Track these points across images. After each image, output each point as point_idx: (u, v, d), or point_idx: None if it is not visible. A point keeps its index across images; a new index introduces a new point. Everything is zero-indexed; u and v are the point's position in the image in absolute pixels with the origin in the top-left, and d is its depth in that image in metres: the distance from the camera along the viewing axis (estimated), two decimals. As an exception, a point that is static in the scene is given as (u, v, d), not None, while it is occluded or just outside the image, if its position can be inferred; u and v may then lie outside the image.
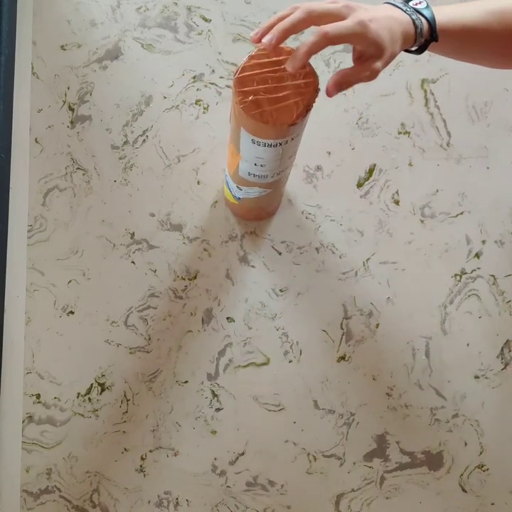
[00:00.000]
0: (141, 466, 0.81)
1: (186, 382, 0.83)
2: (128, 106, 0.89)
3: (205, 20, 0.91)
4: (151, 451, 0.82)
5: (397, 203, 0.86)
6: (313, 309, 0.85)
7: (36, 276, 0.85)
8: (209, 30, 0.91)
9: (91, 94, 0.89)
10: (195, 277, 0.85)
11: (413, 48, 0.61)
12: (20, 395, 0.82)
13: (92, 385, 0.83)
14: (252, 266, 0.86)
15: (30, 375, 0.82)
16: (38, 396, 0.82)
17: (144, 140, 0.88)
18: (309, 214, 0.87)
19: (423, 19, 0.59)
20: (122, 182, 0.87)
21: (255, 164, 0.64)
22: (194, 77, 0.90)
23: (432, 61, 0.88)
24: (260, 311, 0.84)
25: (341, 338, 0.84)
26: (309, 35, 0.55)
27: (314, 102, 0.57)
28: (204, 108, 0.89)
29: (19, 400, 0.82)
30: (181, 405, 0.82)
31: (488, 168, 0.88)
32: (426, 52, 0.63)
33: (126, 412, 0.82)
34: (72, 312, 0.84)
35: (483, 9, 0.63)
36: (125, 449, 0.82)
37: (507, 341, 0.83)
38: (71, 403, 0.82)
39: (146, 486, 0.81)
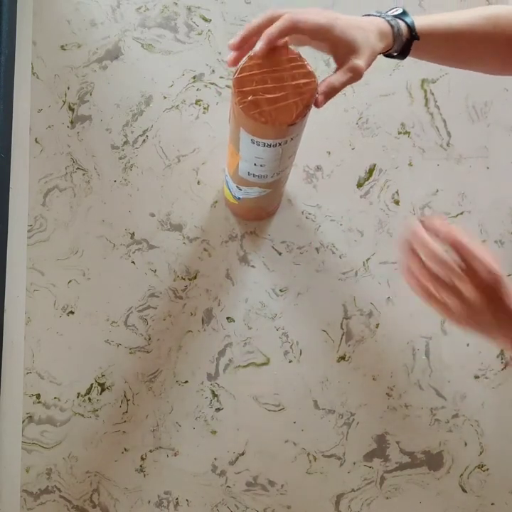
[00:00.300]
0: (141, 466, 0.81)
1: (186, 382, 0.83)
2: (128, 106, 0.89)
3: (205, 20, 0.91)
4: (151, 451, 0.82)
5: (397, 203, 0.86)
6: (313, 309, 0.85)
7: (36, 276, 0.85)
8: (209, 30, 0.91)
9: (91, 94, 0.89)
10: (195, 277, 0.85)
11: (395, 52, 0.62)
12: (20, 395, 0.82)
13: (92, 385, 0.83)
14: (252, 266, 0.86)
15: (30, 375, 0.82)
16: (38, 396, 0.82)
17: (144, 140, 0.88)
18: (309, 214, 0.87)
19: (399, 20, 0.61)
20: (122, 182, 0.87)
21: (255, 164, 0.64)
22: (194, 77, 0.90)
23: (432, 61, 0.88)
24: (260, 311, 0.84)
25: (341, 338, 0.84)
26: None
27: (313, 102, 0.57)
28: (204, 108, 0.89)
29: (19, 400, 0.82)
30: (181, 405, 0.82)
31: (488, 168, 0.88)
32: None
33: (126, 412, 0.82)
34: (72, 312, 0.84)
35: (476, 14, 0.64)
36: (125, 449, 0.82)
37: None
38: (71, 403, 0.82)
39: (146, 486, 0.81)
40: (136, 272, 0.85)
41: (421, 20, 0.62)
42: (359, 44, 0.57)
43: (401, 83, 0.90)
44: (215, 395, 0.83)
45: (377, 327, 0.84)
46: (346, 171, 0.87)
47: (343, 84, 0.57)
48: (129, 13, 0.91)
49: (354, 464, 0.82)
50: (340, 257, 0.86)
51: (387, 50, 0.62)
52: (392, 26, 0.60)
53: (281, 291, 0.85)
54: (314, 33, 0.56)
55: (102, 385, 0.83)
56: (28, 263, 0.85)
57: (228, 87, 0.89)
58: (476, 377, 0.83)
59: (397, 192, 0.87)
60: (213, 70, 0.90)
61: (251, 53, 0.56)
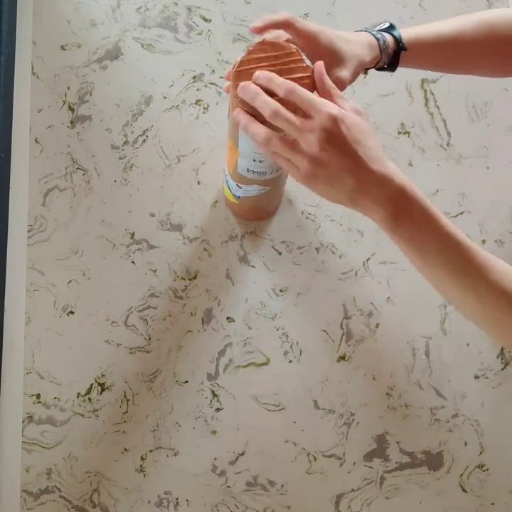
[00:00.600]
0: (141, 466, 0.81)
1: (186, 382, 0.83)
2: (128, 106, 0.89)
3: (205, 20, 0.91)
4: (151, 451, 0.82)
5: (397, 203, 0.86)
6: (313, 309, 0.85)
7: (36, 276, 0.85)
8: (209, 30, 0.91)
9: (91, 94, 0.89)
10: (195, 277, 0.85)
11: (384, 63, 0.63)
12: (20, 395, 0.82)
13: (92, 385, 0.83)
14: (252, 266, 0.86)
15: (30, 375, 0.82)
16: (38, 396, 0.82)
17: (144, 140, 0.88)
18: (309, 214, 0.87)
19: (385, 33, 0.62)
20: (122, 182, 0.87)
21: (254, 160, 0.64)
22: (194, 77, 0.90)
23: (431, 61, 0.88)
24: (260, 311, 0.84)
25: (341, 338, 0.84)
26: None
27: None
28: (204, 108, 0.89)
29: (19, 400, 0.82)
30: (181, 405, 0.82)
31: (488, 168, 0.88)
32: None
33: (126, 412, 0.82)
34: (72, 312, 0.84)
35: (467, 20, 0.64)
36: (125, 449, 0.82)
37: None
38: (71, 403, 0.82)
39: (146, 486, 0.81)
40: (136, 272, 0.85)
41: (409, 32, 0.63)
42: (344, 54, 0.58)
43: (401, 83, 0.90)
44: (215, 395, 0.83)
45: (377, 327, 0.84)
46: (346, 171, 0.87)
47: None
48: (129, 13, 0.91)
49: (354, 464, 0.82)
50: (340, 257, 0.86)
51: (377, 63, 0.63)
52: (377, 39, 0.61)
53: (281, 291, 0.85)
54: (304, 37, 0.57)
55: (102, 385, 0.83)
56: (28, 263, 0.85)
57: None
58: (476, 377, 0.83)
59: (397, 192, 0.86)
60: (213, 70, 0.90)
61: (249, 47, 0.57)
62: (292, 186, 0.86)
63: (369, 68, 0.63)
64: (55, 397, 0.82)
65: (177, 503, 0.81)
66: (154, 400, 0.82)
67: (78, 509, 0.80)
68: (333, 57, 0.58)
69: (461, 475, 0.82)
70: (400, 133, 0.89)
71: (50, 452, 0.81)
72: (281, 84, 0.52)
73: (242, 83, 0.54)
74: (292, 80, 0.56)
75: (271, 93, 0.53)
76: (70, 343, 0.83)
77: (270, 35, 0.59)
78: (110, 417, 0.82)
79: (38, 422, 0.82)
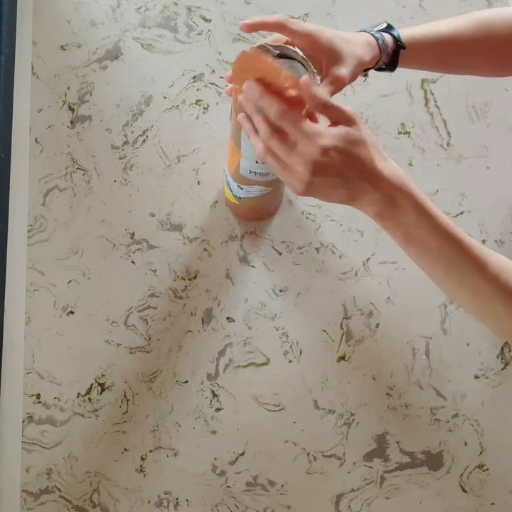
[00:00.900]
0: (141, 466, 0.81)
1: (186, 382, 0.83)
2: (128, 106, 0.89)
3: (205, 20, 0.91)
4: (151, 451, 0.82)
5: (397, 203, 0.86)
6: (313, 309, 0.85)
7: (36, 276, 0.85)
8: (209, 30, 0.91)
9: (91, 94, 0.89)
10: (195, 277, 0.85)
11: (384, 63, 0.63)
12: (20, 395, 0.82)
13: (92, 385, 0.83)
14: (252, 266, 0.86)
15: (30, 375, 0.82)
16: (38, 396, 0.82)
17: (144, 140, 0.88)
18: (309, 214, 0.87)
19: (384, 33, 0.62)
20: (122, 182, 0.87)
21: (256, 162, 0.64)
22: (194, 77, 0.90)
23: (431, 61, 0.88)
24: (260, 311, 0.84)
25: (341, 338, 0.84)
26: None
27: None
28: (204, 108, 0.89)
29: (19, 399, 0.82)
30: (181, 405, 0.82)
31: (488, 168, 0.88)
32: None
33: (126, 412, 0.82)
34: (72, 312, 0.84)
35: (465, 20, 0.65)
36: (125, 449, 0.82)
37: (507, 341, 0.83)
38: (71, 403, 0.82)
39: (146, 486, 0.81)
40: (136, 272, 0.85)
41: (407, 31, 0.64)
42: (343, 53, 0.58)
43: (401, 83, 0.90)
44: (215, 395, 0.83)
45: (377, 327, 0.84)
46: (346, 171, 0.87)
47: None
48: (129, 13, 0.91)
49: (354, 464, 0.82)
50: (340, 257, 0.86)
51: (376, 62, 0.63)
52: (376, 38, 0.61)
53: (281, 291, 0.85)
54: (301, 37, 0.57)
55: (102, 385, 0.83)
56: (28, 263, 0.85)
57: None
58: (476, 377, 0.83)
59: (397, 192, 0.86)
60: (213, 70, 0.90)
61: (253, 48, 0.57)
62: (292, 186, 0.86)
63: (369, 68, 0.64)
64: (55, 397, 0.82)
65: (177, 503, 0.81)
66: (154, 400, 0.82)
67: (78, 509, 0.80)
68: (332, 56, 0.58)
69: (461, 475, 0.82)
70: (400, 133, 0.89)
71: (50, 452, 0.81)
72: (269, 106, 0.50)
73: (246, 82, 0.53)
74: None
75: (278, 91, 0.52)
76: (70, 343, 0.83)
77: (270, 38, 0.59)
78: (110, 417, 0.82)
79: (38, 422, 0.82)
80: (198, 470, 0.81)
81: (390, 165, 0.53)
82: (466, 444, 0.82)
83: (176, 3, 0.92)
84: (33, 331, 0.83)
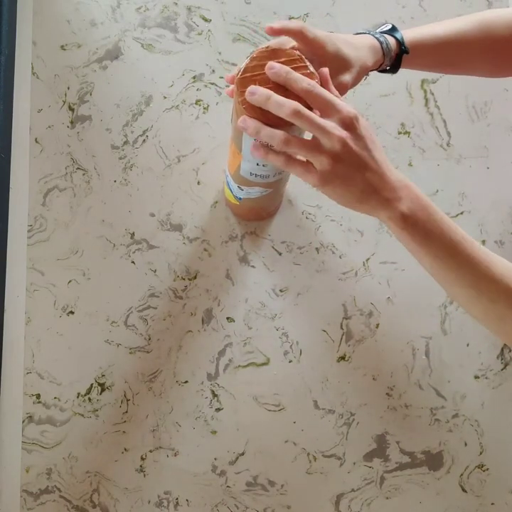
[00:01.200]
0: (141, 466, 0.81)
1: (186, 382, 0.83)
2: (128, 106, 0.89)
3: (205, 20, 0.91)
4: (151, 451, 0.82)
5: (397, 203, 0.86)
6: (313, 309, 0.85)
7: (36, 276, 0.85)
8: (209, 30, 0.91)
9: (91, 94, 0.89)
10: (195, 277, 0.85)
11: (387, 66, 0.63)
12: (20, 395, 0.82)
13: (92, 385, 0.83)
14: (252, 266, 0.86)
15: (30, 375, 0.82)
16: (38, 396, 0.82)
17: (144, 140, 0.88)
18: (309, 214, 0.87)
19: (388, 36, 0.62)
20: (122, 182, 0.87)
21: (257, 164, 0.64)
22: (194, 77, 0.90)
23: (432, 61, 0.88)
24: (260, 311, 0.84)
25: (341, 338, 0.84)
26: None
27: None
28: (204, 108, 0.89)
29: (19, 399, 0.82)
30: (181, 405, 0.82)
31: (488, 168, 0.88)
32: None
33: (126, 412, 0.82)
34: (72, 312, 0.84)
35: (467, 21, 0.65)
36: (125, 449, 0.82)
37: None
38: (71, 403, 0.82)
39: (146, 486, 0.81)
40: (136, 272, 0.85)
41: (409, 34, 0.63)
42: (349, 60, 0.59)
43: (401, 83, 0.90)
44: (215, 395, 0.83)
45: (377, 327, 0.84)
46: (346, 171, 0.87)
47: None
48: (129, 13, 0.91)
49: (354, 464, 0.82)
50: (340, 257, 0.86)
51: (379, 66, 0.63)
52: (380, 42, 0.61)
53: (281, 291, 0.85)
54: (311, 45, 0.58)
55: (102, 385, 0.83)
56: (28, 263, 0.85)
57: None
58: (476, 377, 0.83)
59: (397, 192, 0.86)
60: (213, 70, 0.90)
61: (253, 54, 0.57)
62: (293, 186, 0.86)
63: (371, 70, 0.64)
64: (55, 397, 0.82)
65: (177, 503, 0.81)
66: (154, 400, 0.82)
67: (78, 509, 0.80)
68: (338, 64, 0.58)
69: (461, 475, 0.82)
70: (400, 133, 0.89)
71: (50, 452, 0.81)
72: (299, 80, 0.52)
73: (250, 87, 0.54)
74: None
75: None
76: (70, 343, 0.83)
77: (274, 41, 0.59)
78: (110, 417, 0.82)
79: (38, 422, 0.82)
80: (198, 470, 0.81)
81: (395, 170, 0.54)
82: (466, 444, 0.82)
83: (176, 3, 0.92)
84: (33, 331, 0.83)
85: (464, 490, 0.82)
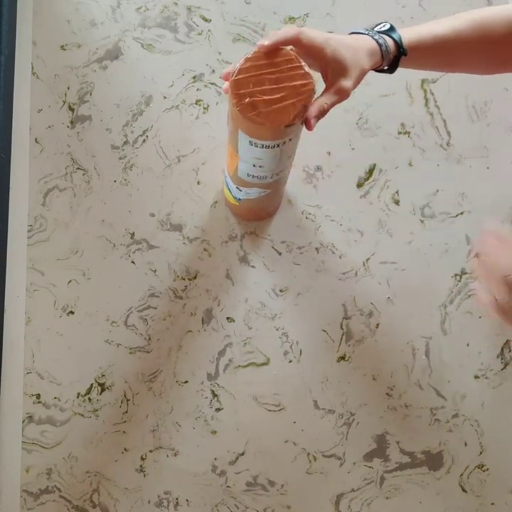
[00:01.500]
0: (141, 466, 0.81)
1: (186, 382, 0.83)
2: (128, 106, 0.89)
3: (205, 20, 0.91)
4: (151, 451, 0.82)
5: (397, 203, 0.86)
6: (313, 309, 0.85)
7: (36, 276, 0.85)
8: (209, 30, 0.91)
9: (91, 94, 0.89)
10: (195, 277, 0.85)
11: (385, 67, 0.63)
12: (20, 395, 0.82)
13: (92, 385, 0.83)
14: (252, 266, 0.86)
15: (30, 375, 0.82)
16: (38, 396, 0.82)
17: (144, 140, 0.88)
18: (309, 214, 0.87)
19: (386, 37, 0.62)
20: (122, 182, 0.87)
21: (254, 165, 0.64)
22: (194, 77, 0.90)
23: (431, 61, 0.88)
24: (260, 311, 0.84)
25: (341, 338, 0.84)
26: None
27: (311, 103, 0.57)
28: (204, 108, 0.89)
29: (19, 399, 0.82)
30: (181, 405, 0.82)
31: (488, 168, 0.88)
32: None
33: (126, 412, 0.82)
34: (72, 312, 0.84)
35: (463, 19, 0.65)
36: (125, 449, 0.82)
37: (507, 341, 0.83)
38: (71, 403, 0.82)
39: (146, 486, 0.81)
40: (136, 272, 0.85)
41: (407, 34, 0.63)
42: (348, 64, 0.59)
43: (401, 83, 0.90)
44: (215, 395, 0.83)
45: (377, 327, 0.84)
46: (346, 171, 0.87)
47: (332, 106, 0.59)
48: (129, 13, 0.91)
49: (354, 464, 0.82)
50: (340, 257, 0.86)
51: (377, 67, 0.63)
52: (380, 45, 0.61)
53: (281, 291, 0.85)
54: (309, 50, 0.58)
55: (102, 385, 0.83)
56: (28, 263, 0.85)
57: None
58: (476, 377, 0.83)
59: (397, 192, 0.87)
60: (213, 70, 0.90)
61: (247, 55, 0.57)
62: (292, 186, 0.86)
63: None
64: (55, 397, 0.82)
65: (177, 503, 0.81)
66: (154, 400, 0.82)
67: (78, 509, 0.80)
68: (337, 68, 0.58)
69: (461, 475, 0.82)
70: (400, 133, 0.89)
71: (50, 452, 0.81)
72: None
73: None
74: (293, 87, 0.56)
75: None
76: (70, 343, 0.83)
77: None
78: (110, 417, 0.82)
79: (38, 422, 0.82)
80: (198, 470, 0.81)
81: None
82: (466, 444, 0.82)
83: (176, 3, 0.92)
84: (33, 331, 0.83)
85: (463, 490, 0.82)
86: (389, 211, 0.86)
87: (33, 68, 0.90)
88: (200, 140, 0.88)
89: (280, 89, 0.56)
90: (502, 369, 0.83)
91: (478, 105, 0.89)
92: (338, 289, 0.85)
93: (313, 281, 0.85)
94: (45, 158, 0.88)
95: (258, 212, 0.84)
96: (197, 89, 0.90)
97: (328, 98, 0.58)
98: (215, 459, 0.81)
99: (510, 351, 0.84)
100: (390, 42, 0.62)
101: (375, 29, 0.63)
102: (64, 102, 0.89)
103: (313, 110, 0.57)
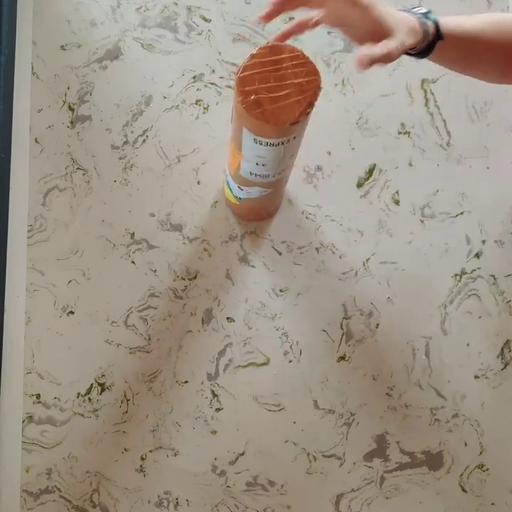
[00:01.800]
0: (141, 466, 0.81)
1: (186, 382, 0.83)
2: (128, 106, 0.89)
3: (205, 20, 0.91)
4: (151, 451, 0.82)
5: (397, 203, 0.86)
6: (313, 309, 0.85)
7: (36, 276, 0.85)
8: (209, 30, 0.91)
9: (91, 94, 0.89)
10: (195, 277, 0.85)
11: (420, 50, 0.61)
12: (20, 395, 0.82)
13: (92, 385, 0.83)
14: (252, 266, 0.86)
15: (30, 375, 0.82)
16: (38, 396, 0.82)
17: (144, 140, 0.88)
18: (309, 214, 0.87)
19: (427, 20, 0.60)
20: (122, 182, 0.87)
21: (257, 164, 0.64)
22: (194, 77, 0.90)
23: (432, 61, 0.88)
24: (260, 311, 0.84)
25: (341, 338, 0.84)
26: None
27: (316, 100, 0.57)
28: (204, 108, 0.89)
29: (19, 399, 0.82)
30: (181, 405, 0.82)
31: (488, 168, 0.88)
32: None
33: (126, 412, 0.82)
34: (72, 312, 0.84)
35: (487, 20, 0.63)
36: (125, 449, 0.82)
37: (507, 341, 0.83)
38: (71, 403, 0.82)
39: (146, 486, 0.81)
40: (136, 272, 0.85)
41: (442, 21, 0.61)
42: (392, 28, 0.56)
43: (401, 83, 0.90)
44: (215, 395, 0.83)
45: (377, 327, 0.84)
46: (346, 171, 0.87)
47: (379, 60, 0.55)
48: (129, 13, 0.91)
49: (354, 464, 0.82)
50: (340, 257, 0.86)
51: (413, 48, 0.61)
52: (421, 23, 0.59)
53: (281, 291, 0.85)
54: (356, 7, 0.56)
55: (102, 385, 0.83)
56: (28, 263, 0.85)
57: (228, 87, 0.89)
58: (476, 377, 0.83)
59: (397, 192, 0.87)
60: (213, 70, 0.90)
61: (253, 52, 0.57)
62: (292, 186, 0.86)
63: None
64: (55, 397, 0.82)
65: (177, 503, 0.81)
66: (154, 400, 0.82)
67: (78, 509, 0.80)
68: (383, 31, 0.56)
69: (461, 475, 0.82)
70: (400, 133, 0.89)
71: (50, 452, 0.81)
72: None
73: None
74: (298, 84, 0.55)
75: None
76: (70, 343, 0.83)
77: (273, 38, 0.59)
78: (110, 417, 0.82)
79: (38, 422, 0.82)
80: (198, 470, 0.81)
81: None
82: (466, 444, 0.82)
83: (176, 3, 0.92)
84: (33, 331, 0.83)
85: (464, 490, 0.82)
86: (389, 211, 0.86)
87: (33, 68, 0.90)
88: (200, 140, 0.88)
89: (285, 86, 0.56)
90: (502, 369, 0.83)
91: (478, 105, 0.89)
92: (338, 289, 0.85)
93: (313, 281, 0.85)
94: (45, 158, 0.88)
95: (259, 211, 0.84)
96: (197, 89, 0.90)
97: (378, 48, 0.55)
98: (215, 459, 0.81)
99: (510, 351, 0.84)
100: (430, 24, 0.60)
101: (414, 10, 0.62)
102: (64, 102, 0.89)
103: (359, 54, 0.54)
